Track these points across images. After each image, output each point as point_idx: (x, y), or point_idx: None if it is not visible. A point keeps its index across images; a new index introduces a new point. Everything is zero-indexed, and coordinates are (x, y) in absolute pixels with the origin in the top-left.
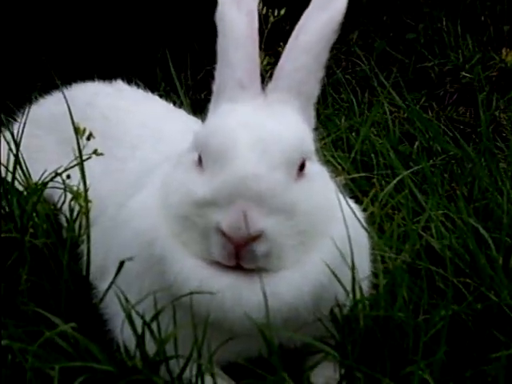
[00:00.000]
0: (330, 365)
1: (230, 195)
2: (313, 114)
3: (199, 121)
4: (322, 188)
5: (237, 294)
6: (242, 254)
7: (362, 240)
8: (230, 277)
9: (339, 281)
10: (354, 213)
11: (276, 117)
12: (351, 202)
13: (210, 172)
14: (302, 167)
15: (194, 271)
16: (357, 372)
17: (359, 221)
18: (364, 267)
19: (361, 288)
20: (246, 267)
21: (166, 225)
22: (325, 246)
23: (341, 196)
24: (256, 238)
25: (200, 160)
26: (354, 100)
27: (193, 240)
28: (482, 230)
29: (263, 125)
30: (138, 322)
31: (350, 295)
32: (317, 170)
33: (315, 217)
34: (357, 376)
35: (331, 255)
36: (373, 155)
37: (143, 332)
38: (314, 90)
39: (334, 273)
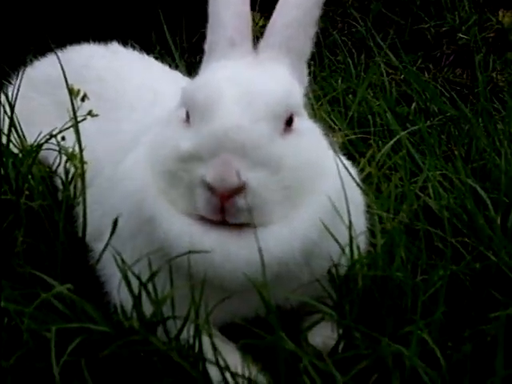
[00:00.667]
0: (327, 325)
1: (214, 148)
2: (305, 71)
3: None
4: (311, 144)
5: (225, 250)
6: (226, 207)
7: (355, 197)
8: (217, 233)
9: (332, 235)
10: (347, 169)
11: (264, 72)
12: (344, 160)
13: (195, 126)
14: (289, 122)
15: (182, 229)
16: (355, 332)
17: (352, 177)
18: (359, 225)
19: (358, 247)
20: (230, 222)
21: (154, 183)
22: (314, 202)
23: (333, 153)
24: (239, 190)
25: (187, 116)
26: (350, 62)
27: (179, 196)
28: (480, 190)
29: (249, 79)
30: (135, 283)
31: (347, 253)
32: (307, 126)
33: (302, 172)
34: (355, 336)
35: (321, 210)
36: (370, 116)
37: (140, 293)
38: (306, 46)
39: (325, 228)
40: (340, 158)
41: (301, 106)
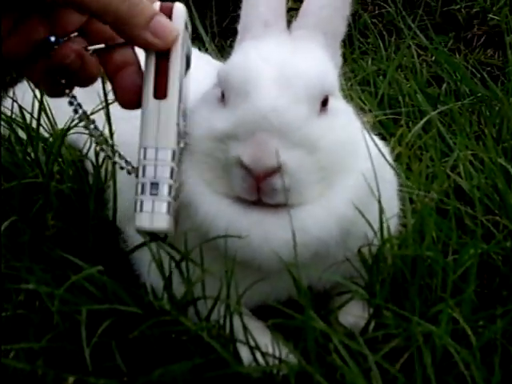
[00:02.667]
0: (358, 304)
1: (251, 127)
2: (339, 52)
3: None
4: (345, 124)
5: (263, 231)
6: (262, 187)
7: (388, 176)
8: (254, 213)
9: (363, 216)
10: (380, 149)
11: (299, 52)
12: (377, 140)
13: (231, 106)
14: (324, 103)
15: (220, 210)
16: (385, 311)
17: (384, 157)
18: (391, 204)
19: (388, 226)
20: (266, 202)
21: (190, 164)
22: (350, 181)
23: (366, 133)
24: (276, 170)
25: (223, 95)
26: (380, 43)
27: (215, 177)
28: (510, 170)
29: (286, 59)
30: (165, 264)
31: (378, 233)
32: (341, 107)
33: (337, 152)
34: (385, 315)
35: (356, 189)
36: (400, 97)
37: (170, 273)
38: (340, 27)
39: (359, 207)
40: (373, 138)
41: (336, 87)
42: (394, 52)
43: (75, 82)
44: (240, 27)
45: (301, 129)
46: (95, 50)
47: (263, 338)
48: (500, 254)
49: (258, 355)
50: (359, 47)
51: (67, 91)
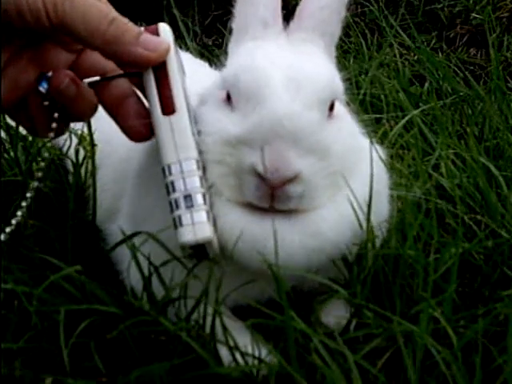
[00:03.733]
0: (341, 305)
1: (266, 135)
2: (334, 54)
3: (206, 64)
4: (350, 128)
5: (279, 237)
6: (277, 195)
7: (386, 180)
8: (268, 220)
9: (368, 219)
10: (377, 151)
11: (304, 56)
12: (375, 143)
13: (242, 111)
14: (331, 107)
15: (233, 218)
16: (366, 311)
17: (382, 161)
18: (386, 206)
19: (372, 226)
20: (279, 209)
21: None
22: (357, 185)
23: (364, 136)
24: (292, 179)
25: (228, 98)
26: (363, 42)
27: (225, 182)
28: (492, 168)
29: (293, 62)
30: (145, 264)
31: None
32: (343, 110)
33: (347, 157)
34: (366, 315)
35: (364, 193)
36: (382, 96)
37: (150, 274)
38: (337, 29)
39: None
40: (371, 141)
41: (341, 92)
42: (376, 51)
43: (72, 114)
44: (236, 27)
45: (314, 134)
46: (91, 85)
47: (243, 338)
48: (482, 253)
49: (238, 355)
50: (341, 46)
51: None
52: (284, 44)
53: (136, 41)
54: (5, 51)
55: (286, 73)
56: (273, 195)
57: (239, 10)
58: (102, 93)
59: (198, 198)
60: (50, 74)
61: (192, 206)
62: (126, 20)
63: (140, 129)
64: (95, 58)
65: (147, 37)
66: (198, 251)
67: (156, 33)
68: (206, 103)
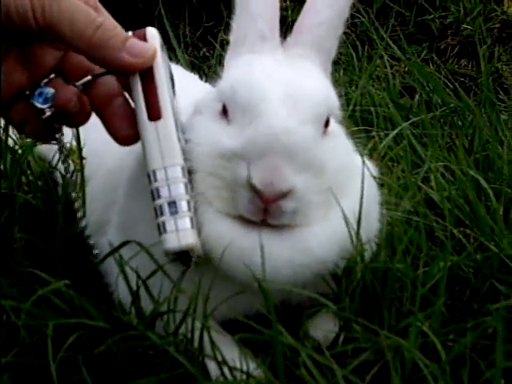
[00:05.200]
0: (329, 319)
1: (262, 149)
2: (330, 70)
3: (196, 76)
4: (344, 145)
5: (266, 251)
6: (270, 209)
7: (377, 197)
8: (258, 233)
9: (357, 237)
10: (369, 169)
11: (301, 71)
12: (366, 159)
13: (238, 124)
14: (326, 124)
15: (222, 230)
16: (355, 324)
17: (374, 178)
18: (376, 223)
19: (361, 240)
20: (272, 223)
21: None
22: (349, 203)
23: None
24: (286, 194)
25: (224, 111)
26: (353, 54)
27: (217, 195)
28: (481, 181)
29: (290, 78)
30: (133, 278)
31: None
32: (337, 127)
33: (341, 175)
34: (355, 329)
35: (356, 211)
36: (372, 109)
37: (138, 288)
38: (334, 46)
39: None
40: (363, 158)
41: (337, 107)
42: (366, 62)
43: (71, 123)
44: (233, 39)
45: (310, 150)
46: (84, 85)
47: (231, 352)
48: (471, 267)
49: (226, 370)
50: None
51: (57, 135)
52: (281, 59)
53: (122, 46)
54: None
55: (283, 88)
56: (266, 210)
57: (237, 23)
58: (89, 94)
59: (183, 205)
60: (45, 88)
61: (176, 212)
62: (113, 25)
63: (126, 132)
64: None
65: (134, 42)
66: (182, 257)
67: (144, 38)
68: (200, 113)
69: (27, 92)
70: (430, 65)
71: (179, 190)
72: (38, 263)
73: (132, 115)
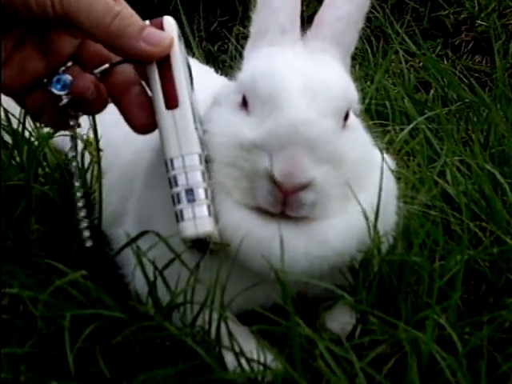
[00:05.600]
0: (346, 311)
1: (282, 140)
2: (349, 64)
3: (212, 70)
4: (363, 139)
5: (284, 242)
6: (289, 201)
7: (395, 191)
8: (276, 225)
9: (375, 230)
10: (387, 163)
11: (321, 64)
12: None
13: (258, 115)
14: (346, 117)
15: (241, 220)
16: (371, 317)
17: (392, 172)
18: (394, 217)
19: (378, 233)
20: (290, 215)
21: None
22: (368, 196)
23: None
24: (306, 186)
25: (244, 102)
26: (368, 49)
27: (236, 185)
28: (498, 175)
29: (311, 71)
30: (151, 268)
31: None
32: (356, 121)
33: (359, 168)
34: (372, 321)
35: (374, 204)
36: (387, 103)
37: (155, 279)
38: (353, 40)
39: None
40: (381, 151)
41: (356, 101)
42: (381, 57)
43: (87, 111)
44: (253, 31)
45: (330, 143)
46: (102, 74)
47: (248, 343)
48: (487, 260)
49: (243, 361)
50: None
51: (72, 123)
52: (301, 52)
53: (139, 35)
54: (10, 38)
55: (303, 80)
56: (285, 201)
57: (258, 16)
58: (106, 82)
59: (200, 193)
60: (63, 75)
61: (194, 200)
62: (131, 13)
63: (143, 121)
64: None
65: (151, 31)
66: (199, 244)
67: (161, 26)
68: (220, 105)
69: (44, 80)
70: (445, 60)
71: (196, 177)
72: (55, 254)
73: (149, 104)
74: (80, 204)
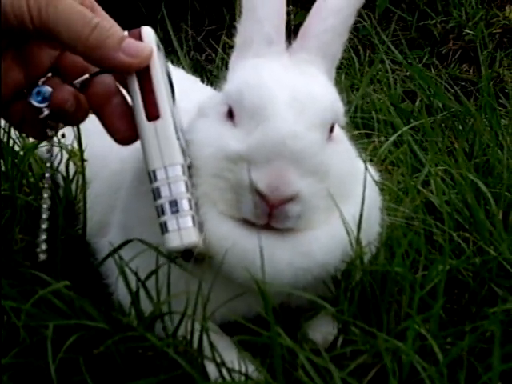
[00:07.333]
0: (328, 322)
1: (268, 153)
2: (334, 76)
3: (198, 79)
4: (348, 150)
5: (268, 254)
6: (275, 214)
7: (379, 203)
8: (261, 237)
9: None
10: (371, 174)
11: (308, 77)
12: (369, 165)
13: (245, 127)
14: (331, 129)
15: (226, 231)
16: (353, 327)
17: (376, 183)
18: (377, 228)
19: (360, 243)
20: (276, 227)
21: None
22: (351, 208)
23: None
24: (291, 198)
25: (230, 113)
26: (355, 58)
27: (221, 197)
28: (481, 185)
29: (298, 84)
30: (133, 279)
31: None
32: (341, 133)
33: (344, 180)
34: (353, 331)
35: (355, 216)
36: (373, 112)
37: (138, 289)
38: (339, 52)
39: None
40: (366, 165)
41: (342, 114)
42: (368, 67)
43: (68, 122)
44: (238, 42)
45: (316, 156)
46: (81, 84)
47: (230, 354)
48: (469, 270)
49: (225, 371)
50: None
51: (51, 133)
52: (288, 64)
53: (118, 46)
54: None
55: (290, 93)
56: (270, 214)
57: (244, 26)
58: (87, 90)
59: (184, 204)
60: (43, 87)
61: (177, 211)
62: (110, 24)
63: (125, 132)
64: None
65: (130, 42)
66: (185, 254)
67: (139, 37)
68: (205, 116)
69: (25, 91)
70: (432, 69)
71: (180, 188)
72: (39, 264)
73: (130, 114)
74: (44, 216)
